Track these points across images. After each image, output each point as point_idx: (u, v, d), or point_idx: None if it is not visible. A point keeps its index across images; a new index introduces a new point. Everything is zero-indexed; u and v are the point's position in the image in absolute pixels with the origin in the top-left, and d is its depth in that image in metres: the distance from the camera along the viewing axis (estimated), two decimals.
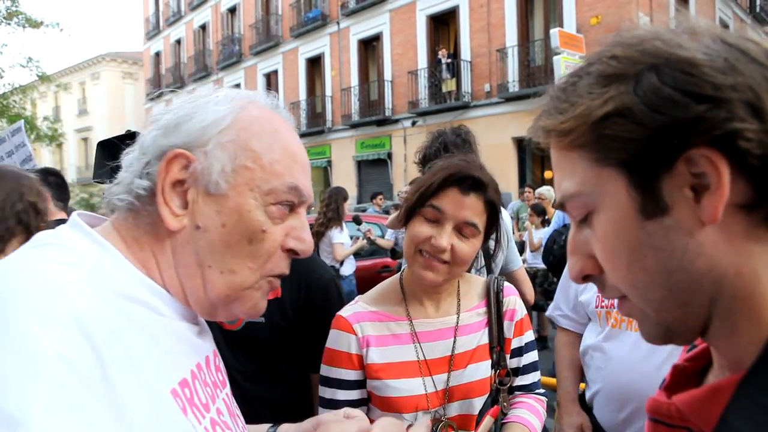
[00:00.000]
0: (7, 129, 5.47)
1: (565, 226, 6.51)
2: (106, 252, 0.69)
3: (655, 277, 0.54)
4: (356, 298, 1.48)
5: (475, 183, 1.28)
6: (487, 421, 1.34)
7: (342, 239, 5.70)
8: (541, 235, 6.82)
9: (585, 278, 0.62)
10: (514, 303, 1.48)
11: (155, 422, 0.62)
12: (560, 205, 0.62)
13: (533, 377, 1.53)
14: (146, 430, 0.60)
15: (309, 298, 1.74)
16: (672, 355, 1.68)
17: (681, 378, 0.65)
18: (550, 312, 2.20)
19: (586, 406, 1.95)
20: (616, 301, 2.06)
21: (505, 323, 1.46)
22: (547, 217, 7.32)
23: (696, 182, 0.51)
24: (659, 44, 0.52)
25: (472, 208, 1.28)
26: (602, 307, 1.85)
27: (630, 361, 1.72)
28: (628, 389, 1.71)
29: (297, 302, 1.73)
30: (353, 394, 1.37)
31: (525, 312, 1.51)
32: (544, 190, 7.74)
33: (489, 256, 1.47)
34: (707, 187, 0.50)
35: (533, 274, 6.22)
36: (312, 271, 1.79)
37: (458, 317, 1.42)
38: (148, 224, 0.73)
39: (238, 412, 0.89)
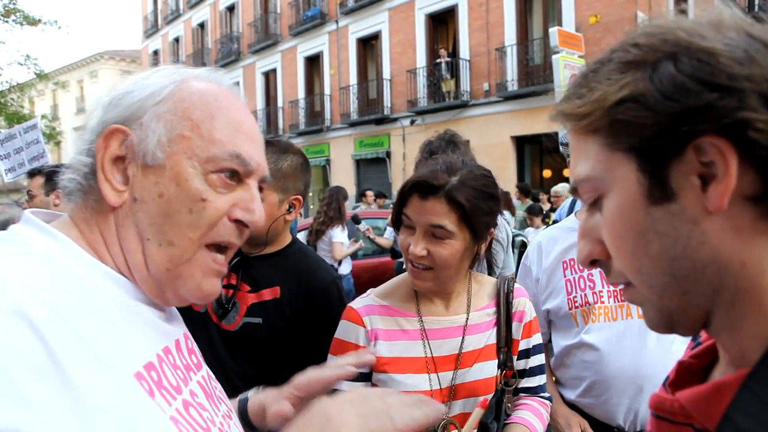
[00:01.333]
0: (20, 125, 5.45)
1: (554, 222, 6.51)
2: (57, 240, 0.69)
3: (659, 262, 0.54)
4: (368, 291, 1.50)
5: (432, 188, 1.30)
6: (477, 412, 1.35)
7: (342, 238, 5.73)
8: None
9: (592, 263, 0.62)
10: (524, 305, 1.50)
11: (117, 405, 0.60)
12: (573, 190, 0.62)
13: (539, 380, 1.54)
14: (107, 413, 0.58)
15: (308, 300, 1.70)
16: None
17: (686, 374, 0.65)
18: None
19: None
20: (590, 299, 2.06)
21: (514, 324, 1.47)
22: (545, 211, 7.31)
23: (704, 171, 0.51)
24: (681, 34, 0.53)
25: (433, 212, 1.30)
26: (576, 307, 1.88)
27: (625, 345, 1.78)
28: (630, 369, 1.76)
29: (296, 303, 1.70)
30: (356, 386, 1.37)
31: (534, 314, 1.53)
32: (560, 187, 7.68)
33: (490, 256, 1.47)
34: (714, 176, 0.50)
35: None
36: (312, 272, 1.75)
37: (468, 316, 1.44)
38: (95, 201, 0.73)
39: (221, 394, 0.88)
